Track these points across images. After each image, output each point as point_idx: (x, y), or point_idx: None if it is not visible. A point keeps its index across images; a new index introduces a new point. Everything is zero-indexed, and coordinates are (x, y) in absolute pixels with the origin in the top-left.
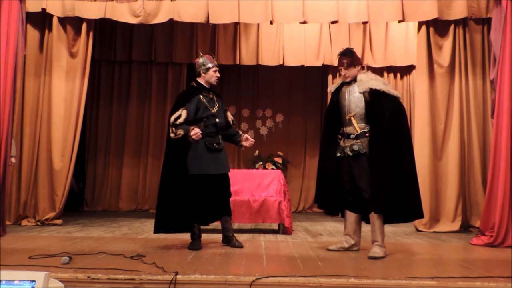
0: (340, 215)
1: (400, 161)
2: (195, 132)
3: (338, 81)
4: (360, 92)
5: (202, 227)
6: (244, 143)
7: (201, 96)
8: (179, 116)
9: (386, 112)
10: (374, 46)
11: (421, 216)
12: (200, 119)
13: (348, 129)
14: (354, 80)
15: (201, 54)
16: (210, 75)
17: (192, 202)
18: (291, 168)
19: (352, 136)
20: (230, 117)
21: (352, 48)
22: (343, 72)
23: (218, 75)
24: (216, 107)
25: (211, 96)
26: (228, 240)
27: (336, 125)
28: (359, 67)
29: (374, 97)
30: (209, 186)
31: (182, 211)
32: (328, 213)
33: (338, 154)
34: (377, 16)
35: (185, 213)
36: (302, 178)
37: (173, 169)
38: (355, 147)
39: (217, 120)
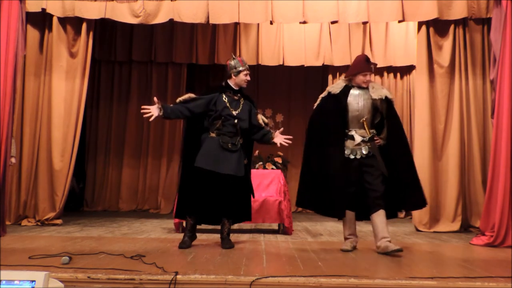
0: None
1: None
2: (151, 107)
3: (341, 83)
4: (373, 98)
5: (202, 227)
6: (275, 140)
7: (224, 95)
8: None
9: (397, 119)
10: (374, 46)
11: (425, 204)
12: (219, 116)
13: (360, 132)
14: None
15: (233, 57)
16: (240, 78)
17: (192, 193)
18: (291, 168)
19: (365, 139)
20: (261, 120)
21: None
22: (368, 77)
23: (249, 78)
24: (239, 109)
25: (236, 97)
26: (221, 241)
27: (339, 127)
28: None
29: (387, 105)
30: (213, 183)
31: (184, 199)
32: (337, 216)
33: (350, 156)
34: (377, 16)
35: (185, 202)
36: None
37: (187, 159)
38: (368, 149)
39: (236, 121)
